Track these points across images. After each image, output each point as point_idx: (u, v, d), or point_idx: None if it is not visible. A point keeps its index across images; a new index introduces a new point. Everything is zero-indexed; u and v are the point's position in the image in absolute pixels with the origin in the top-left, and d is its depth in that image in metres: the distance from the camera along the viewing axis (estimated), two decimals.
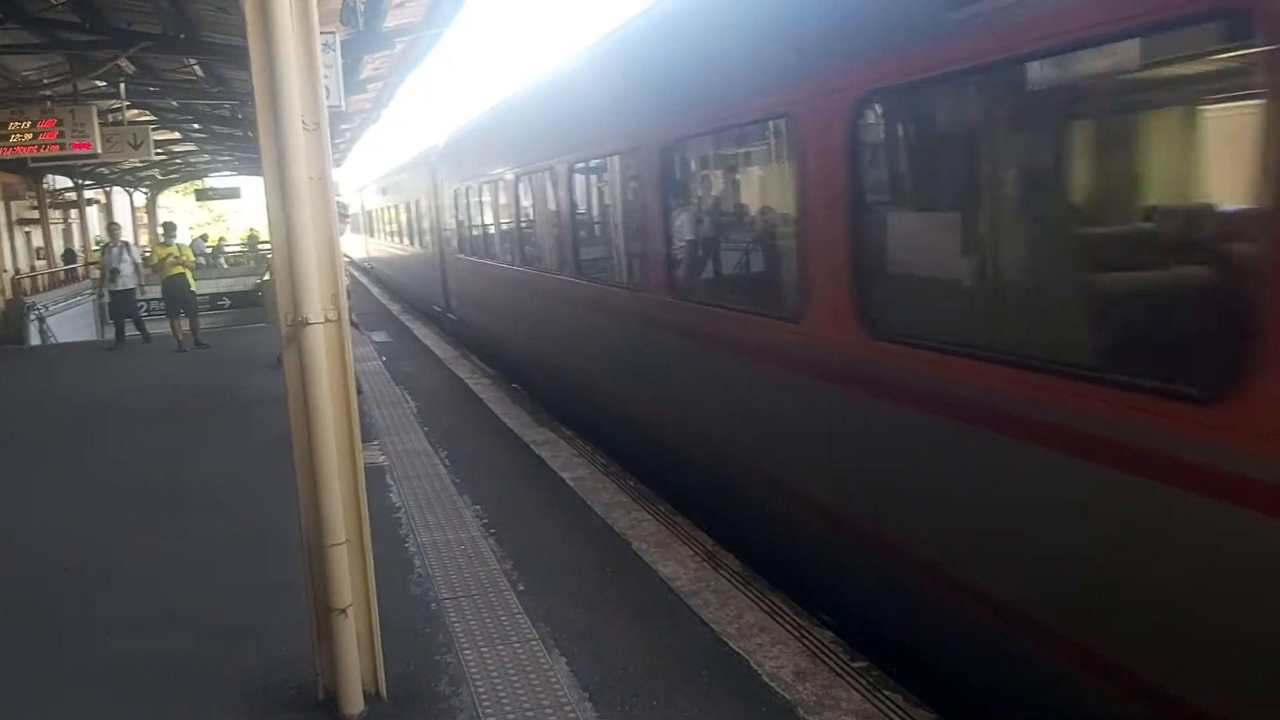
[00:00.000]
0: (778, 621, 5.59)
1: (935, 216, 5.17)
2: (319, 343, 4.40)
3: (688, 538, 6.97)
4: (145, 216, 49.29)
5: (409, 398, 12.68)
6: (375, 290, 32.07)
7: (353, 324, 14.45)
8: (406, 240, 25.65)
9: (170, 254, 18.30)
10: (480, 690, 4.93)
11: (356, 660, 4.70)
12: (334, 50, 11.85)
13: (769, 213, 7.10)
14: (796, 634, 5.42)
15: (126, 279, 19.29)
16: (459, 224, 17.50)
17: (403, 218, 25.89)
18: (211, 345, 18.78)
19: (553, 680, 4.99)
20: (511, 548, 6.92)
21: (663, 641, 5.42)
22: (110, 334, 21.41)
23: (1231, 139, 3.58)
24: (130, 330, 19.71)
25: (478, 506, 7.89)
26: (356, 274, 37.15)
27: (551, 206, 11.31)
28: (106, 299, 21.70)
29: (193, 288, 18.89)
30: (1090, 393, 3.85)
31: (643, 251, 8.42)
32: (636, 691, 4.88)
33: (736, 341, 6.76)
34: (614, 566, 6.54)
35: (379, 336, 19.09)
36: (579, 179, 10.61)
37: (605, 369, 9.92)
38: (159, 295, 19.89)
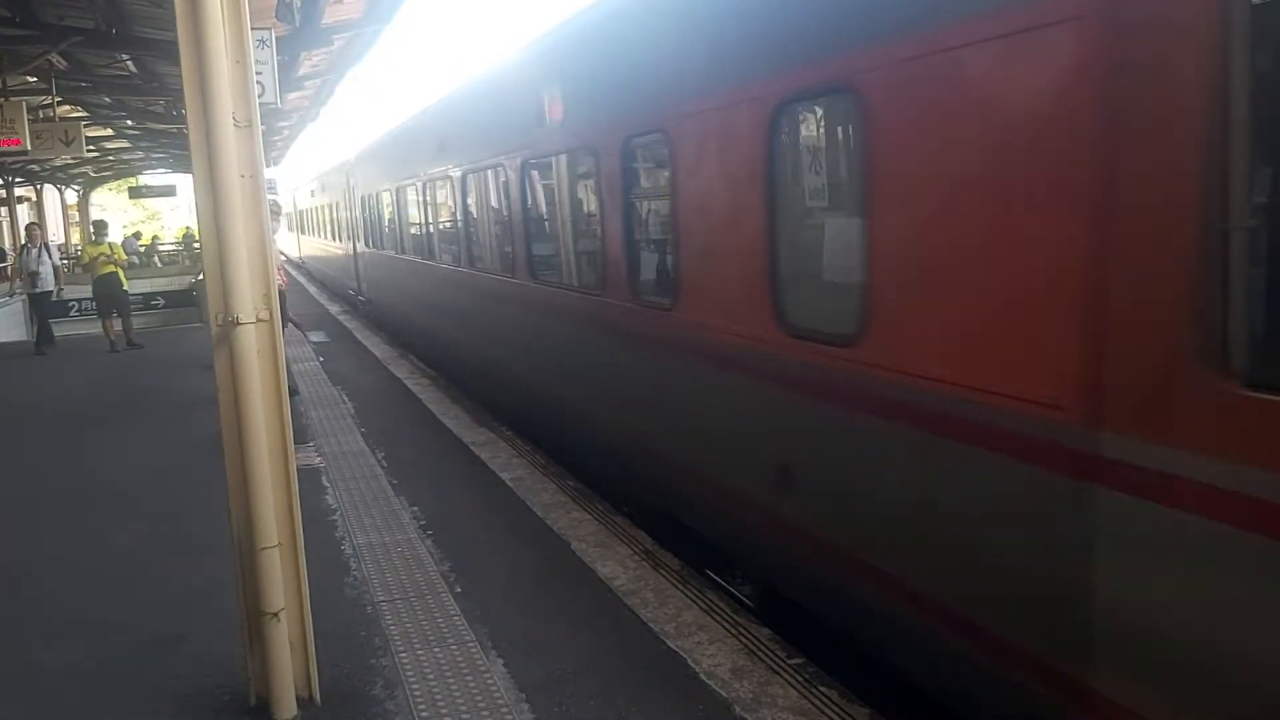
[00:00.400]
0: (715, 619, 5.61)
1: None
2: (250, 343, 4.34)
3: (627, 537, 6.97)
4: (77, 215, 48.24)
5: (346, 398, 12.56)
6: (313, 289, 31.71)
7: (293, 323, 14.26)
8: (329, 236, 30.12)
9: (102, 253, 17.96)
10: (416, 693, 4.89)
11: (289, 664, 4.64)
12: (269, 46, 11.67)
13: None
14: (734, 631, 5.45)
15: (46, 281, 18.90)
16: (364, 223, 21.79)
17: (326, 216, 30.34)
18: (145, 345, 18.44)
19: (489, 682, 4.96)
20: (449, 549, 6.88)
21: (601, 641, 5.42)
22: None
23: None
24: (38, 334, 19.33)
25: (415, 508, 7.83)
26: (294, 273, 37.07)
27: (415, 211, 15.96)
28: (24, 299, 21.25)
29: (125, 287, 18.54)
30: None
31: (478, 240, 12.22)
32: (574, 692, 4.87)
33: (497, 292, 11.12)
34: (553, 567, 6.52)
35: (317, 337, 18.86)
36: (431, 192, 14.62)
37: (464, 328, 13.36)
38: (90, 295, 19.50)
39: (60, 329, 19.66)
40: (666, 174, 6.65)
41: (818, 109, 5.42)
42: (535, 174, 9.82)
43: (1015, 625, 3.97)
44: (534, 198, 9.93)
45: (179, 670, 5.27)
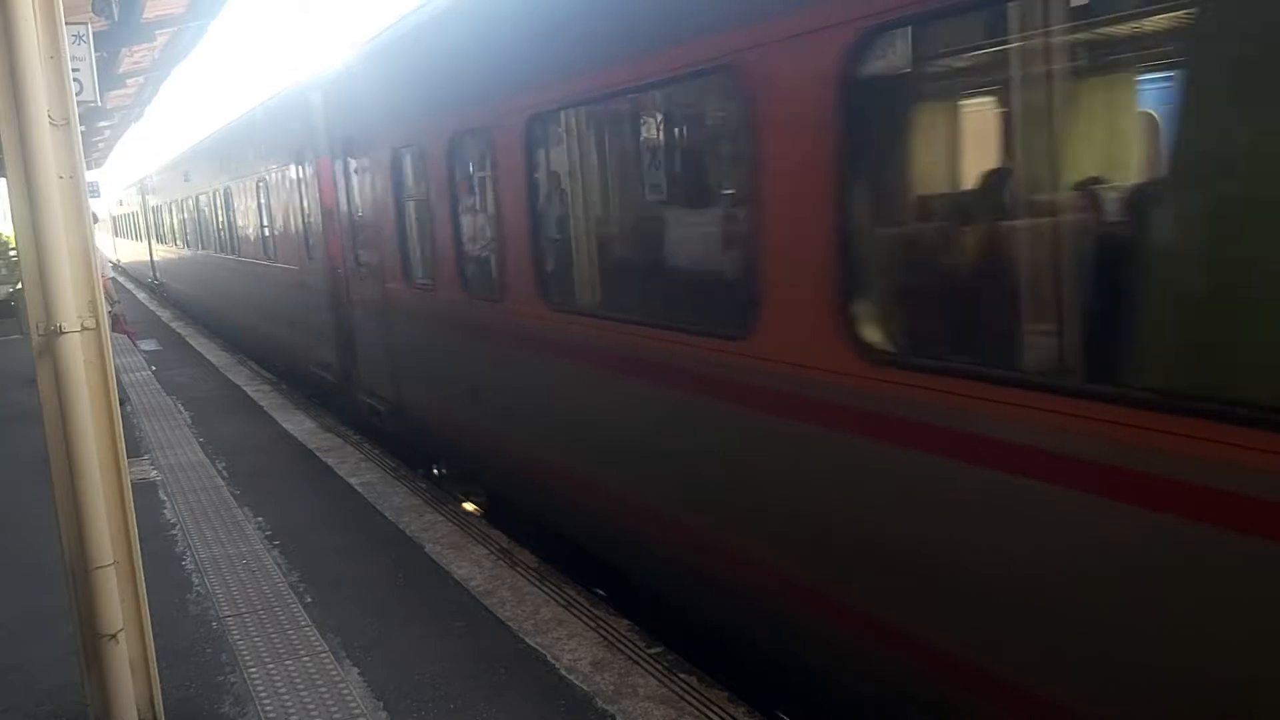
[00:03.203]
0: (574, 614, 5.62)
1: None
2: (76, 353, 4.12)
3: (483, 537, 6.91)
4: None
5: (182, 408, 12.07)
6: (142, 296, 30.42)
7: (125, 331, 13.59)
8: (120, 235, 43.55)
9: None
10: (268, 708, 4.74)
11: (130, 687, 4.43)
12: (86, 42, 11.09)
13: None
14: (593, 625, 5.46)
15: None
16: (148, 224, 31.09)
17: (127, 220, 39.84)
18: None
19: (344, 693, 4.84)
20: (297, 559, 6.69)
21: (459, 644, 5.36)
22: None
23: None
24: None
25: (260, 518, 7.58)
26: (121, 279, 36.39)
27: (181, 215, 23.31)
28: None
29: None
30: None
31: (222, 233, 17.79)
32: (433, 697, 4.80)
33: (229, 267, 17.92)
34: (407, 571, 6.41)
35: (148, 345, 18.07)
36: (176, 206, 23.44)
37: (206, 290, 21.10)
38: None
39: None
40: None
41: None
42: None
43: None
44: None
45: (10, 702, 4.98)
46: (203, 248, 19.62)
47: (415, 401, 8.93)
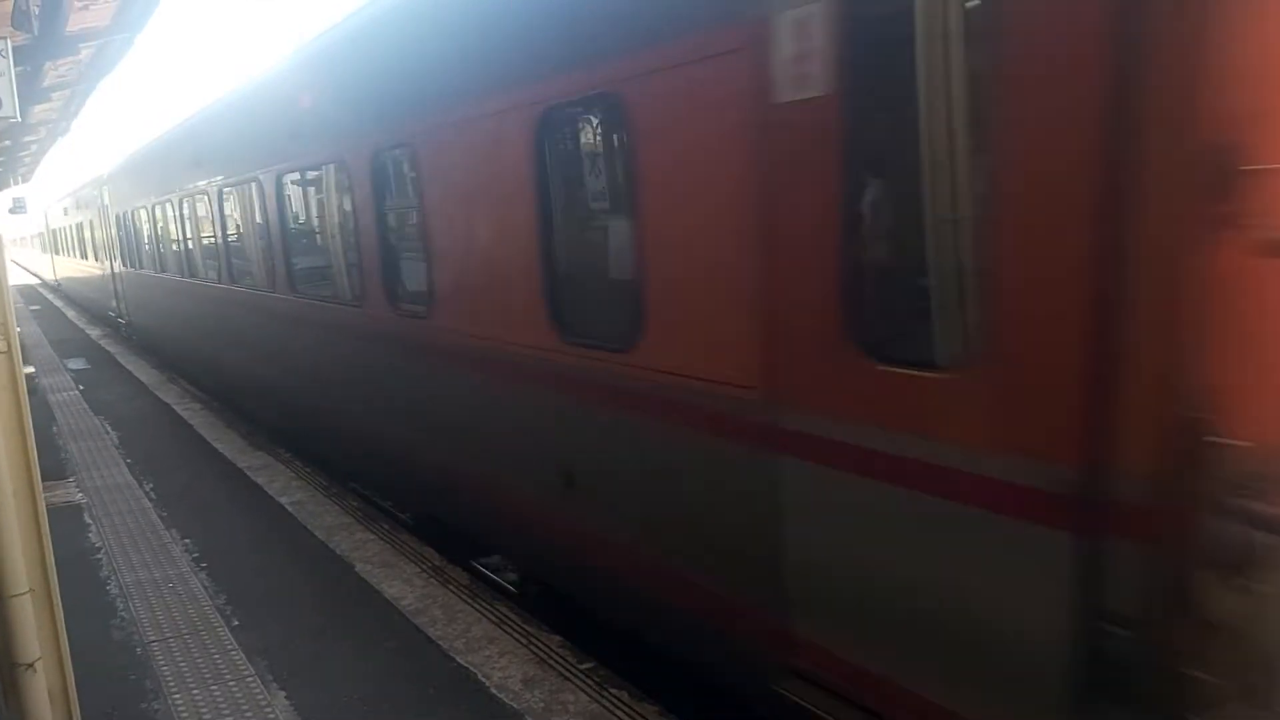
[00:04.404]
0: (506, 631, 5.60)
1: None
2: None
3: (415, 555, 6.86)
4: None
5: (109, 428, 11.84)
6: (71, 314, 29.85)
7: None
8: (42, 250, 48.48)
9: None
10: None
11: (50, 716, 4.34)
12: (6, 57, 10.85)
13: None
14: (524, 641, 5.45)
15: None
16: (51, 242, 39.42)
17: (39, 239, 47.90)
18: None
19: (271, 717, 4.78)
20: (225, 582, 6.59)
21: (389, 664, 5.32)
22: None
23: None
24: None
25: (187, 540, 7.46)
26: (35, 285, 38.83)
27: (66, 237, 33.62)
28: None
29: None
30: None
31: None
32: (361, 719, 4.76)
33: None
34: (337, 592, 6.35)
35: (76, 364, 17.72)
36: (62, 231, 34.75)
37: (75, 282, 32.98)
38: None
39: None
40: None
41: None
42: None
43: None
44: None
45: None
46: (73, 256, 31.11)
47: (136, 321, 19.96)
